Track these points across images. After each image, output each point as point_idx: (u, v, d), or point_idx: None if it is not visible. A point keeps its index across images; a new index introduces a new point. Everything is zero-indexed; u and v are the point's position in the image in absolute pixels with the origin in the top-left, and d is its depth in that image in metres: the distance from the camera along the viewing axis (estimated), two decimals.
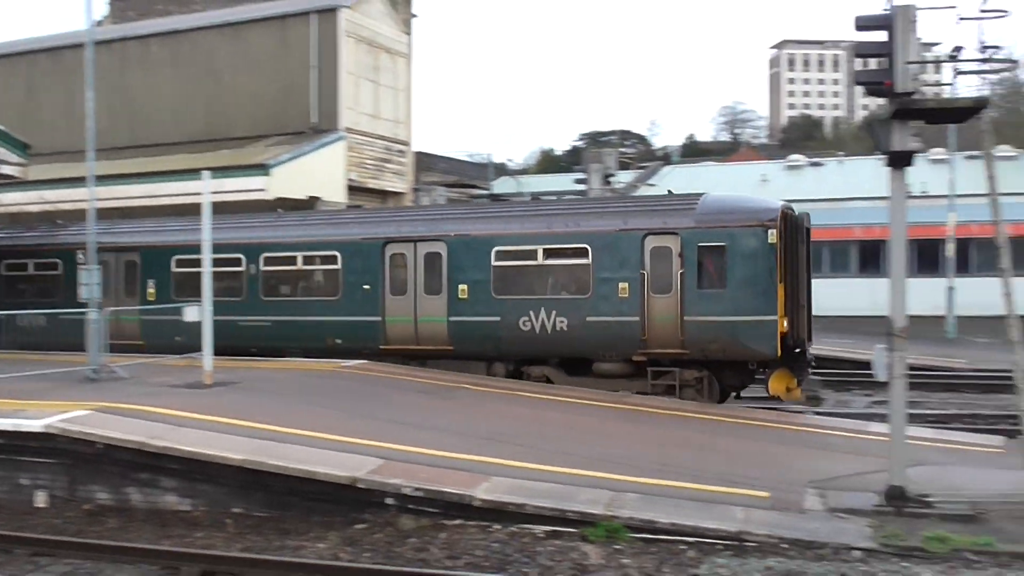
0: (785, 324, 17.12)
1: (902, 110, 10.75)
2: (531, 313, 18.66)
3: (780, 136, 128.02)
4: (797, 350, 17.69)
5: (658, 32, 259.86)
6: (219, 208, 19.36)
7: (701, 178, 50.19)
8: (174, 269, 22.13)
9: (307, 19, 32.76)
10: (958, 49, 11.45)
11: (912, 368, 12.69)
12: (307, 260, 21.11)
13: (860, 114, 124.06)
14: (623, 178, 42.27)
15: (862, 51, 11.31)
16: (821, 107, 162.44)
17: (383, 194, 35.02)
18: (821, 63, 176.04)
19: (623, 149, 78.06)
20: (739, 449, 14.25)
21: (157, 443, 12.76)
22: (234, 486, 12.41)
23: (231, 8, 36.25)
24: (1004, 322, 11.35)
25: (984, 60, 11.30)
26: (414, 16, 38.61)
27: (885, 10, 10.85)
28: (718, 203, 18.45)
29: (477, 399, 17.31)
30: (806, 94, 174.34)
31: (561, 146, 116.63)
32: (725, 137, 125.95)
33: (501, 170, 67.07)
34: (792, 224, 17.80)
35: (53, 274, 23.79)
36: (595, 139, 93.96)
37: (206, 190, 17.86)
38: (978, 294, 28.73)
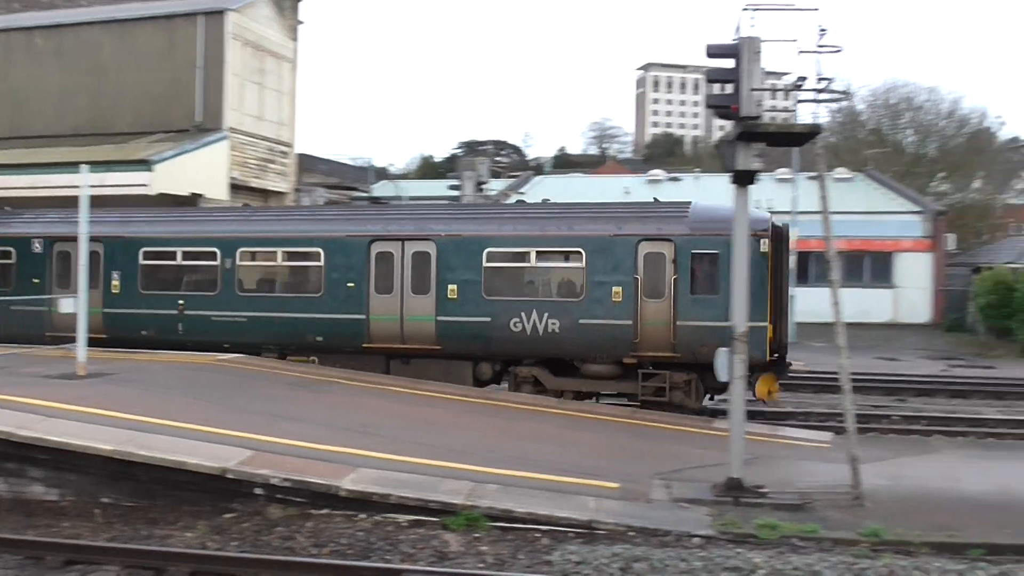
0: (771, 330, 17.09)
1: (746, 133, 11.08)
2: (522, 314, 18.06)
3: (644, 152, 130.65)
4: (777, 355, 17.66)
5: (536, 48, 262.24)
6: (101, 203, 18.59)
7: (569, 188, 50.85)
8: (142, 262, 20.60)
9: (194, 20, 31.67)
10: (802, 79, 11.83)
11: None
12: (288, 256, 19.95)
13: (717, 134, 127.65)
14: (495, 186, 42.40)
15: (713, 77, 11.61)
16: (682, 126, 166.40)
17: (265, 193, 34.18)
18: (683, 86, 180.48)
19: (499, 158, 78.49)
20: (594, 443, 14.45)
21: (25, 433, 12.14)
22: (103, 476, 11.90)
23: (118, 5, 34.85)
24: (833, 328, 11.80)
25: (820, 90, 11.70)
26: (300, 23, 37.86)
27: (733, 40, 11.16)
28: (710, 212, 18.36)
29: (350, 393, 17.08)
30: (669, 114, 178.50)
31: (441, 153, 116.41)
32: (594, 151, 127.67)
33: (382, 174, 66.49)
34: (777, 234, 17.88)
35: (6, 263, 21.78)
36: (473, 147, 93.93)
37: (84, 184, 17.11)
38: (815, 302, 29.83)
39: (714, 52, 11.28)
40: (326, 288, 19.23)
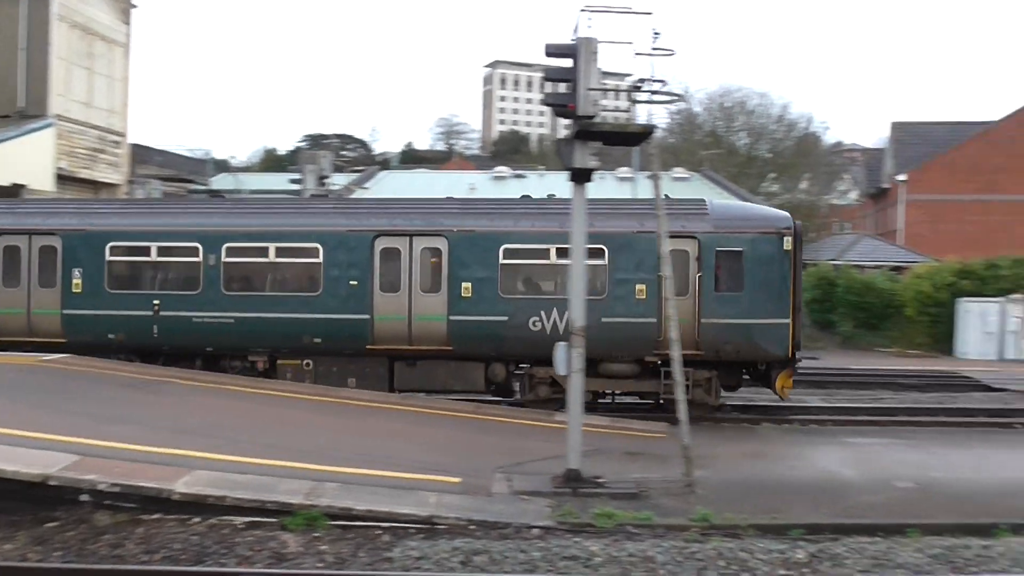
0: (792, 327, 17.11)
1: (583, 131, 11.36)
2: (542, 313, 17.42)
3: (491, 148, 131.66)
4: (794, 351, 17.63)
5: (384, 42, 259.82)
6: None
7: (415, 184, 50.72)
8: (109, 258, 18.70)
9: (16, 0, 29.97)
10: (641, 81, 12.20)
11: None
12: (282, 252, 18.45)
13: (562, 133, 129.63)
14: (338, 180, 41.85)
15: (551, 76, 11.83)
16: (528, 124, 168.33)
17: (95, 185, 32.65)
18: (530, 84, 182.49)
19: (344, 152, 77.51)
20: (439, 438, 14.51)
21: None
22: None
23: None
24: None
25: (655, 92, 12.12)
26: (134, 6, 36.20)
27: (571, 40, 11.42)
28: (730, 209, 18.64)
29: (185, 393, 16.53)
30: (515, 111, 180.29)
31: (285, 146, 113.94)
32: (441, 146, 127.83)
33: (223, 166, 64.48)
34: (797, 232, 17.76)
35: None
36: (318, 141, 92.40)
37: None
38: None
39: (552, 51, 11.50)
40: (325, 286, 18.01)
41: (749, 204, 19.36)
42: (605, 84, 11.81)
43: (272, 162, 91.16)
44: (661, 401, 17.77)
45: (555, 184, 44.01)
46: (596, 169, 11.81)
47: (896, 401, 21.74)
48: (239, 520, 10.36)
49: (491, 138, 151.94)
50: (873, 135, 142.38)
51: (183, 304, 18.26)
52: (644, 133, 11.95)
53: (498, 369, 18.07)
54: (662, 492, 11.78)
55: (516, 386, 18.40)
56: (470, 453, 13.53)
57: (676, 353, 12.33)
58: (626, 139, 12.46)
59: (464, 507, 10.73)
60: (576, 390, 11.83)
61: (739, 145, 61.42)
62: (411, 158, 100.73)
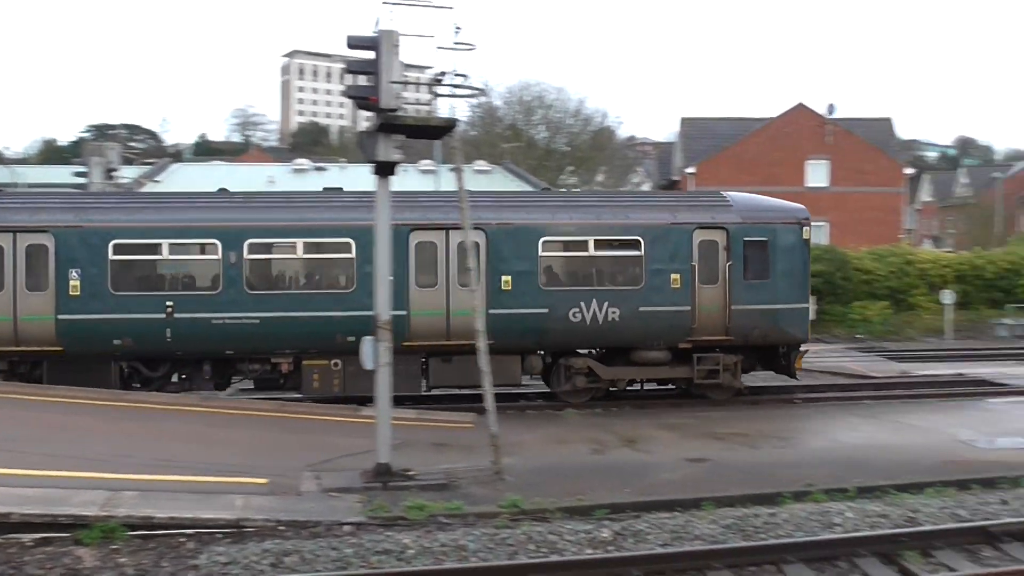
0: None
1: (386, 124, 11.34)
2: (582, 304, 17.62)
3: (290, 140, 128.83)
4: None
5: (174, 29, 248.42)
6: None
7: (210, 177, 48.76)
8: (113, 257, 16.97)
9: None
10: (443, 74, 12.28)
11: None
12: (311, 247, 17.64)
13: (364, 125, 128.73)
14: (128, 173, 39.77)
15: (353, 68, 11.73)
16: (328, 116, 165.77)
17: None
18: (329, 74, 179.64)
19: (133, 144, 73.60)
20: (243, 440, 14.15)
21: None
22: None
23: None
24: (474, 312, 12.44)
25: (457, 86, 12.24)
26: None
27: (374, 33, 11.36)
28: (753, 201, 19.33)
29: None
30: (315, 102, 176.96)
31: (67, 137, 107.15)
32: (237, 138, 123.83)
33: None
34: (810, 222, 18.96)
35: None
36: (103, 131, 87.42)
37: None
38: None
39: (354, 43, 11.42)
40: (359, 282, 17.14)
41: (763, 196, 20.54)
42: (407, 77, 11.83)
43: (52, 153, 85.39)
44: (692, 386, 18.66)
45: (358, 177, 43.63)
46: (400, 162, 11.81)
47: None
48: (28, 537, 9.71)
49: (290, 130, 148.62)
50: (664, 130, 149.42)
51: (201, 305, 17.05)
52: (446, 127, 12.05)
53: (535, 361, 18.28)
54: (472, 481, 11.96)
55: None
56: (277, 453, 13.26)
57: (482, 343, 12.55)
58: (429, 132, 12.54)
59: (273, 508, 10.53)
60: (384, 384, 11.82)
61: (538, 138, 62.82)
62: (205, 150, 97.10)
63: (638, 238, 18.02)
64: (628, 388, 19.14)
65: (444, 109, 12.75)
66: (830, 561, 9.42)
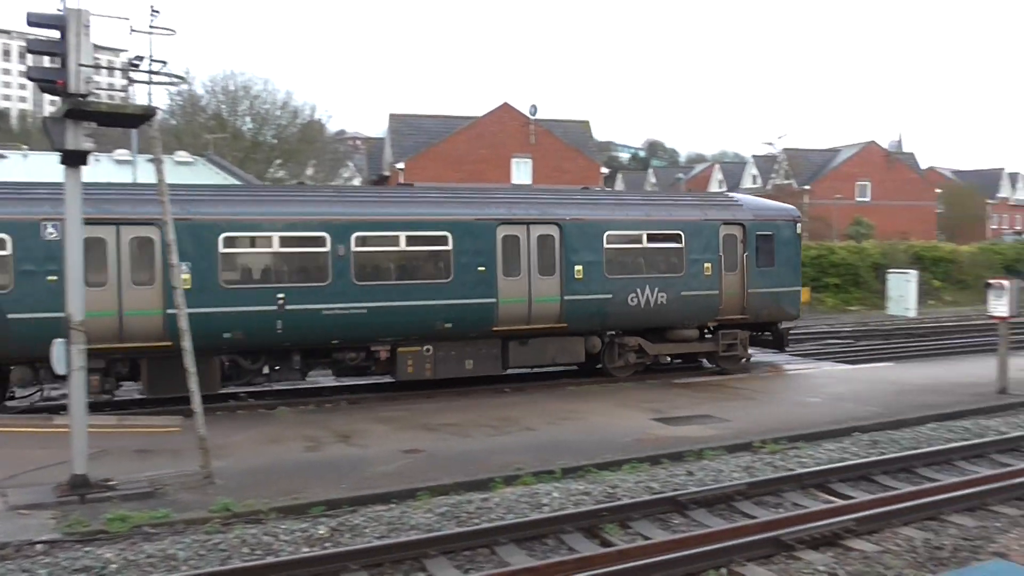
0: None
1: (76, 111, 10.53)
2: (638, 290, 20.13)
3: None
4: None
5: None
6: None
7: None
8: (223, 250, 16.77)
9: None
10: (139, 59, 11.56)
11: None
12: (412, 240, 18.52)
13: (49, 109, 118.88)
14: None
15: (35, 48, 10.82)
16: (8, 98, 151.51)
17: None
18: (7, 53, 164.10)
19: None
20: None
21: None
22: None
23: None
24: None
25: (155, 72, 11.59)
26: None
27: (59, 10, 10.50)
28: (758, 202, 23.64)
29: None
30: None
31: None
32: None
33: None
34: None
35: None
36: None
37: None
38: None
39: (36, 21, 10.49)
40: (455, 273, 18.52)
41: (761, 198, 25.54)
42: (99, 60, 11.06)
43: None
44: (715, 359, 21.83)
45: (42, 165, 40.28)
46: (91, 151, 11.02)
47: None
48: None
49: None
50: (375, 125, 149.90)
51: (311, 297, 17.39)
52: (144, 115, 11.37)
53: (595, 341, 20.34)
54: (179, 487, 11.44)
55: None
56: None
57: (187, 344, 12.00)
58: (124, 120, 11.81)
59: None
60: (79, 390, 11.00)
61: (245, 130, 60.88)
62: None
63: (680, 232, 20.88)
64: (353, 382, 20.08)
65: (141, 96, 12.05)
66: (539, 539, 9.92)
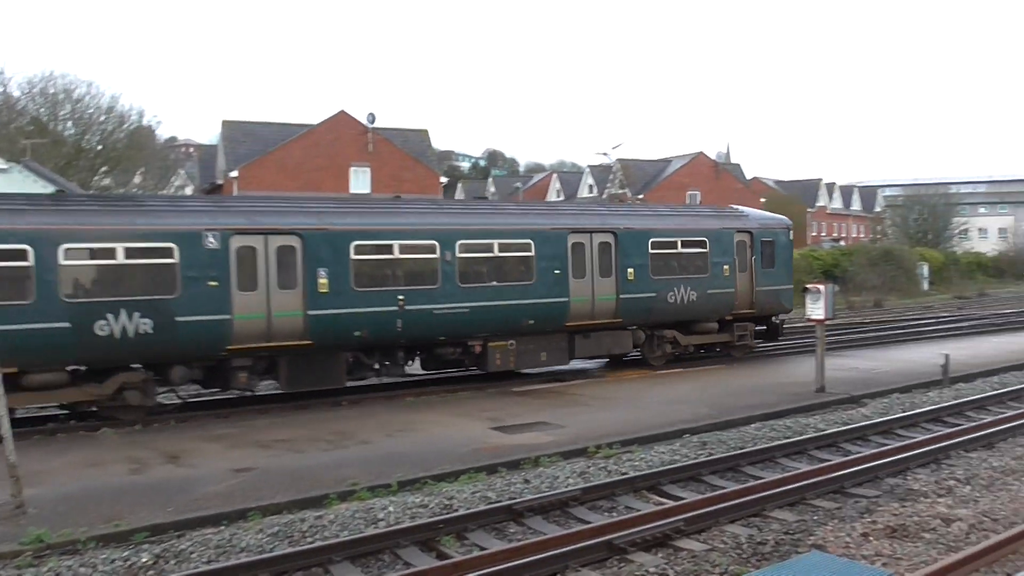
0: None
1: None
2: (675, 289, 23.49)
3: None
4: None
5: None
6: None
7: None
8: (354, 257, 18.69)
9: None
10: None
11: None
12: (503, 247, 21.01)
13: None
14: None
15: None
16: None
17: None
18: None
19: None
20: None
21: None
22: None
23: None
24: None
25: None
26: None
27: None
28: (757, 213, 27.95)
29: None
30: None
31: None
32: None
33: None
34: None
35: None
36: None
37: None
38: None
39: None
40: (537, 276, 21.18)
41: (760, 211, 31.03)
42: None
43: None
44: (730, 347, 25.65)
45: None
46: None
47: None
48: None
49: None
50: (207, 132, 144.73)
51: (425, 298, 19.48)
52: None
53: (640, 334, 23.58)
54: None
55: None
56: None
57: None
58: None
59: None
60: None
61: (66, 135, 57.76)
62: None
63: (704, 239, 24.39)
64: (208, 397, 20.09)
65: None
66: (375, 555, 9.79)
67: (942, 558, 9.06)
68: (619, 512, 11.35)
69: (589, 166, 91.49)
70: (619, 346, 23.34)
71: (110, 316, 16.09)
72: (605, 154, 80.00)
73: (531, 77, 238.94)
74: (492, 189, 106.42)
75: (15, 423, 12.22)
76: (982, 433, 15.12)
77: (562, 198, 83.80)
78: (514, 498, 11.52)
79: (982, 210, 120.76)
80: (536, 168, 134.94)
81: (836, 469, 12.75)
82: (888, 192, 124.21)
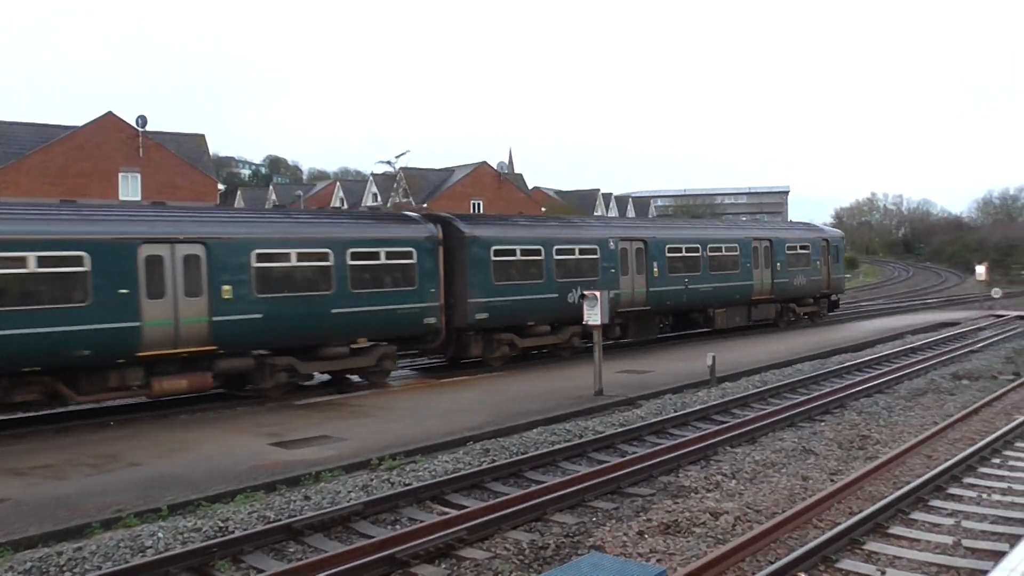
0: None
1: None
2: (798, 275, 37.03)
3: None
4: None
5: None
6: None
7: None
8: (668, 255, 30.92)
9: None
10: None
11: None
12: (715, 249, 32.75)
13: None
14: None
15: None
16: None
17: None
18: None
19: None
20: None
21: None
22: None
23: None
24: None
25: None
26: None
27: None
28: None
29: None
30: None
31: None
32: None
33: None
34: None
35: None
36: None
37: None
38: None
39: None
40: (741, 269, 34.00)
41: (827, 227, 48.63)
42: None
43: None
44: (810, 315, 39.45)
45: None
46: None
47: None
48: None
49: None
50: None
51: (692, 280, 31.38)
52: None
53: (778, 307, 36.66)
54: None
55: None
56: None
57: None
58: None
59: None
60: None
61: None
62: None
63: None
64: None
65: None
66: None
67: (711, 551, 9.48)
68: (402, 525, 11.20)
69: (373, 174, 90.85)
70: (769, 314, 36.19)
71: None
72: (389, 163, 79.61)
73: (313, 81, 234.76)
74: (273, 197, 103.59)
75: None
76: (746, 429, 16.06)
77: (346, 207, 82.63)
78: (294, 516, 11.13)
79: (743, 218, 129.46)
80: (320, 176, 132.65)
81: (613, 470, 13.12)
82: (660, 202, 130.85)
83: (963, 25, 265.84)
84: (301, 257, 20.42)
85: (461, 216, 26.33)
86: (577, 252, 27.36)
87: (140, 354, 17.69)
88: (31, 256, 16.44)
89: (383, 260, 21.97)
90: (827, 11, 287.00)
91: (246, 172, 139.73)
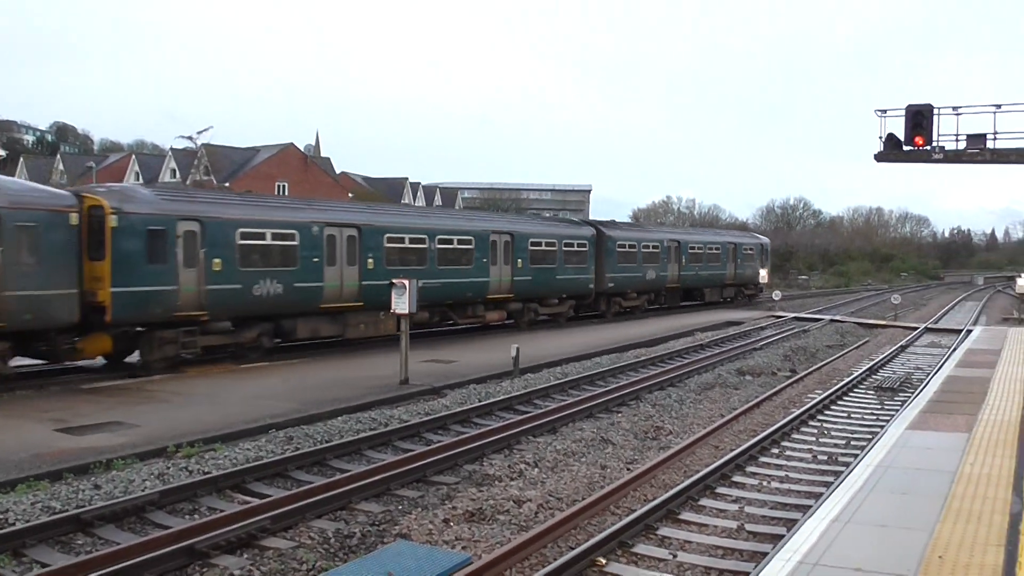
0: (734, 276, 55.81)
1: None
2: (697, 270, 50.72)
3: None
4: None
5: None
6: None
7: None
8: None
9: None
10: None
11: None
12: (649, 246, 43.91)
13: None
14: None
15: None
16: None
17: None
18: None
19: None
20: None
21: None
22: None
23: None
24: None
25: None
26: None
27: None
28: (749, 235, 64.57)
29: None
30: None
31: None
32: None
33: None
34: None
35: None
36: None
37: None
38: None
39: None
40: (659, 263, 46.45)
41: (756, 234, 69.39)
42: None
43: None
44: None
45: None
46: None
47: None
48: None
49: None
50: None
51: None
52: None
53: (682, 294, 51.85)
54: None
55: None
56: None
57: None
58: None
59: None
60: None
61: None
62: None
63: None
64: None
65: None
66: None
67: (515, 537, 9.69)
68: (201, 515, 10.82)
69: (172, 149, 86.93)
70: (671, 299, 48.37)
71: None
72: (190, 138, 76.49)
73: (103, 45, 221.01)
74: (61, 167, 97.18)
75: None
76: (547, 419, 16.48)
77: (141, 181, 78.62)
78: (82, 506, 10.52)
79: (547, 214, 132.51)
80: (113, 147, 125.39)
81: (419, 459, 13.17)
82: (467, 194, 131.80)
83: (750, 48, 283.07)
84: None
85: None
86: (269, 237, 23.21)
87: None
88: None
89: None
90: (632, 26, 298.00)
91: (30, 139, 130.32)
